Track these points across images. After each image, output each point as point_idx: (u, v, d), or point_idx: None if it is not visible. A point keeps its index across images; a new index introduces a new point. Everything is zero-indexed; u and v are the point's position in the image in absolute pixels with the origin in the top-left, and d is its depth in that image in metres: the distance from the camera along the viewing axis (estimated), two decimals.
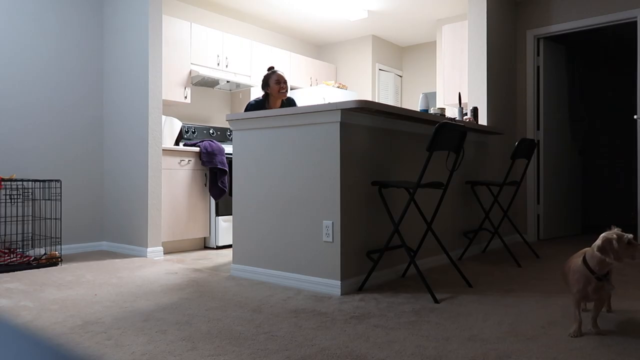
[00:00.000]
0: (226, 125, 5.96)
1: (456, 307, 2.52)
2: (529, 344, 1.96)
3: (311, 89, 6.34)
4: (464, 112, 5.19)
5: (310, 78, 6.68)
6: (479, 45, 4.68)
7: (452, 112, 5.90)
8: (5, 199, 3.90)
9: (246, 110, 3.91)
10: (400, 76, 7.41)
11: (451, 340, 2.00)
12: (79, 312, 2.43)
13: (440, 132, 2.71)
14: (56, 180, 3.93)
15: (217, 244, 4.63)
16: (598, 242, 1.98)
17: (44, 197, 4.12)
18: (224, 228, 4.68)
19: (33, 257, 3.72)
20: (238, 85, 5.62)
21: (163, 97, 4.86)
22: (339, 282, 2.83)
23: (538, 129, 5.19)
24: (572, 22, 4.88)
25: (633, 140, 6.61)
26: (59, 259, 3.75)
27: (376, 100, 6.53)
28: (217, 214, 4.65)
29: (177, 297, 2.72)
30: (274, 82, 3.85)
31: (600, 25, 4.76)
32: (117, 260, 3.96)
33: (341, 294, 2.81)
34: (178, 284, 3.07)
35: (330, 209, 2.87)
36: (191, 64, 5.15)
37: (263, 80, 3.93)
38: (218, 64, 5.41)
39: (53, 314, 2.39)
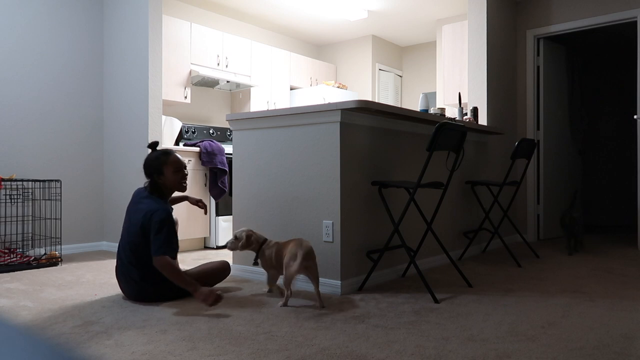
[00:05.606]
0: (226, 125, 5.96)
1: (456, 307, 2.52)
2: (529, 344, 1.96)
3: (311, 89, 6.34)
4: (464, 112, 5.19)
5: (310, 78, 6.68)
6: (479, 45, 4.68)
7: (452, 112, 5.90)
8: (5, 199, 3.90)
9: None
10: (400, 76, 7.41)
11: (451, 340, 2.00)
12: (79, 312, 2.43)
13: (440, 132, 2.71)
14: (56, 180, 3.93)
15: (217, 244, 4.63)
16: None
17: (44, 197, 4.12)
18: (224, 228, 4.67)
19: (33, 257, 3.72)
20: (238, 85, 5.62)
21: (163, 97, 4.86)
22: (339, 282, 2.83)
23: (538, 129, 5.19)
24: (572, 22, 4.88)
25: (633, 140, 6.61)
26: (59, 259, 3.75)
27: (376, 100, 6.53)
28: (217, 214, 4.65)
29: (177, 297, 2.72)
30: None
31: (600, 25, 4.76)
32: None
33: (341, 294, 2.80)
34: None
35: (330, 209, 2.87)
36: (191, 64, 5.15)
37: None
38: (218, 64, 5.41)
39: (53, 314, 2.39)
